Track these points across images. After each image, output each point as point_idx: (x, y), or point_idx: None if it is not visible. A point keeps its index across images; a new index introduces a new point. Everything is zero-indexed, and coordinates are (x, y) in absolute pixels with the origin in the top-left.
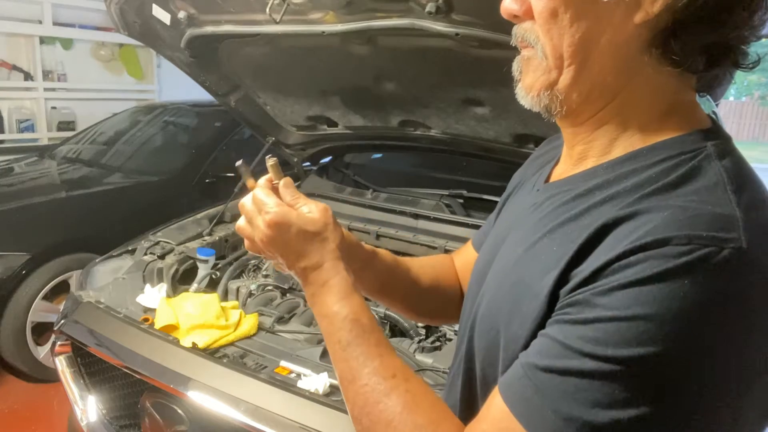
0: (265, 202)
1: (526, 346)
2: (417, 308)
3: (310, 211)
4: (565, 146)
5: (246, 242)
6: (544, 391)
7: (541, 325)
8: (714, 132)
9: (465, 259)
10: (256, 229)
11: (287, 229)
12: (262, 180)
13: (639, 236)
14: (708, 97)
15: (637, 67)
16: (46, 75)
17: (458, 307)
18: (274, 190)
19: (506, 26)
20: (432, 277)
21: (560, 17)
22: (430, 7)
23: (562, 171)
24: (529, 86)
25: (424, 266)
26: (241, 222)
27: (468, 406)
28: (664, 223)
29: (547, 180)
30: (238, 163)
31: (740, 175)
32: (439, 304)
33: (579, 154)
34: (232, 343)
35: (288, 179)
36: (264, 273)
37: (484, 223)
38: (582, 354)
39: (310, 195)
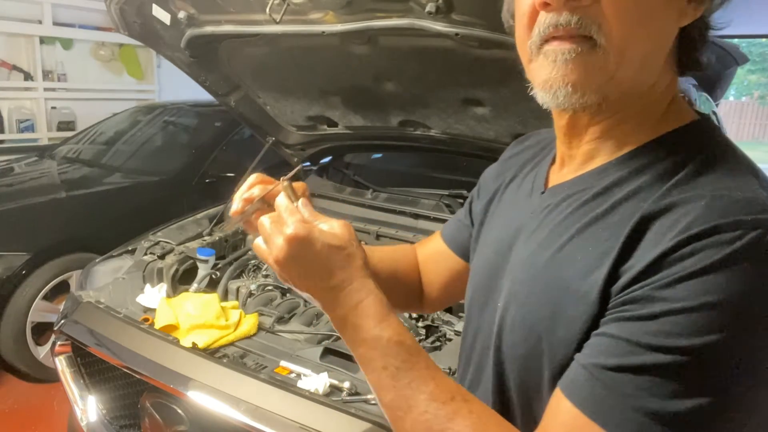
0: (285, 219)
1: (578, 349)
2: None
3: (331, 227)
4: (565, 148)
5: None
6: (619, 390)
7: (594, 325)
8: (707, 121)
9: (431, 251)
10: (274, 247)
11: (309, 244)
12: (282, 198)
13: (685, 227)
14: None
15: (665, 66)
16: (46, 75)
17: (416, 300)
18: None
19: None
20: (390, 269)
21: (640, 6)
22: (430, 7)
23: (566, 172)
24: (580, 82)
25: (383, 259)
26: (259, 241)
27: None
28: (706, 212)
29: (546, 182)
30: (285, 182)
31: (746, 159)
32: (394, 296)
33: (586, 154)
34: (232, 343)
35: (305, 199)
36: (264, 273)
37: None
38: (654, 348)
39: (310, 195)
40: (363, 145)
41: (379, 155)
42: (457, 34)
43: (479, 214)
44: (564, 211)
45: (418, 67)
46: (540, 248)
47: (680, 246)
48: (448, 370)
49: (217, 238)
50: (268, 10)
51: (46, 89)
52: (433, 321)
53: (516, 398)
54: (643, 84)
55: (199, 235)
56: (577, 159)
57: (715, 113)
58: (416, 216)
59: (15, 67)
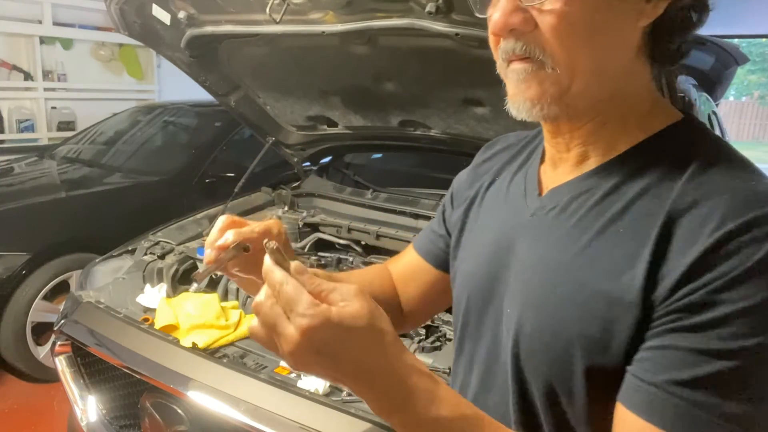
0: (296, 301)
1: (623, 355)
2: None
3: (344, 298)
4: (555, 150)
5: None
6: (702, 403)
7: (637, 331)
8: (694, 118)
9: (406, 266)
10: (284, 339)
11: (329, 332)
12: (272, 270)
13: (719, 223)
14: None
15: (633, 67)
16: (46, 75)
17: (397, 318)
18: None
19: None
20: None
21: (577, 26)
22: (430, 7)
23: (561, 173)
24: (536, 97)
25: (358, 284)
26: (255, 325)
27: (528, 428)
28: (734, 206)
29: (539, 184)
30: (271, 244)
31: (739, 153)
32: None
33: (579, 156)
34: (232, 343)
35: (298, 264)
36: None
37: None
38: (728, 353)
39: (310, 195)
40: (363, 145)
41: (379, 155)
42: (457, 34)
43: (457, 221)
44: (576, 213)
45: (418, 67)
46: (555, 250)
47: (721, 243)
48: (448, 370)
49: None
50: (268, 10)
51: (46, 89)
52: (433, 321)
53: (541, 402)
54: (610, 88)
55: (199, 235)
56: (570, 161)
57: (715, 113)
58: (416, 216)
59: (15, 67)
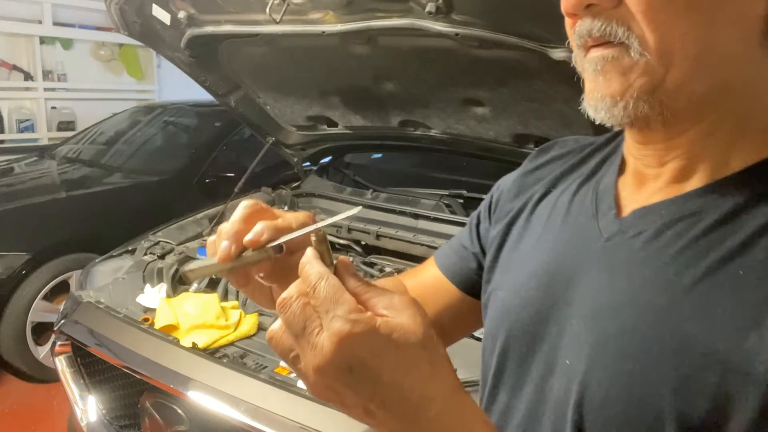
0: (336, 302)
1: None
2: None
3: (392, 307)
4: (642, 163)
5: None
6: None
7: (762, 415)
8: None
9: (423, 283)
10: (311, 348)
11: (373, 346)
12: (312, 262)
13: None
14: None
15: (756, 54)
16: (46, 75)
17: None
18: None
19: (506, 26)
20: None
21: (672, 1)
22: (430, 7)
23: (651, 191)
24: (620, 92)
25: None
26: (277, 328)
27: None
28: None
29: (618, 202)
30: (318, 233)
31: None
32: None
33: (678, 170)
34: (232, 343)
35: (345, 259)
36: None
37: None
38: None
39: (310, 195)
40: (363, 145)
41: (379, 155)
42: (457, 34)
43: (496, 238)
44: (676, 243)
45: (418, 67)
46: (645, 290)
47: None
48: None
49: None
50: (268, 10)
51: (46, 89)
52: None
53: None
54: (722, 82)
55: (199, 235)
56: (665, 176)
57: None
58: (416, 216)
59: (15, 67)
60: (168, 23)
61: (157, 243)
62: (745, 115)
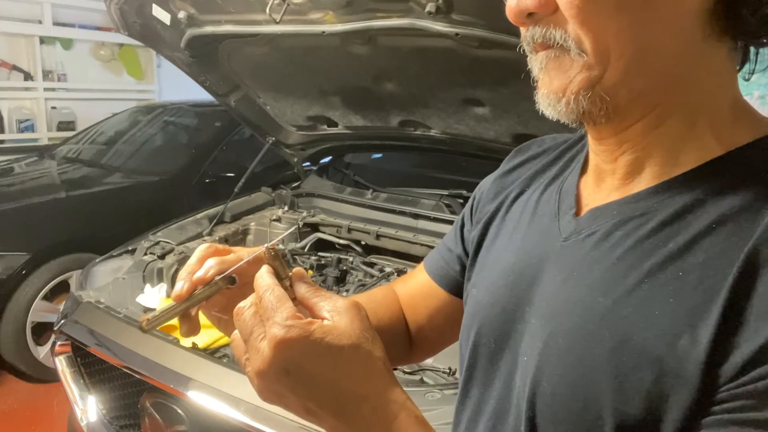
0: (275, 310)
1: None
2: None
3: (333, 310)
4: (600, 158)
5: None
6: None
7: (693, 414)
8: None
9: (416, 288)
10: (254, 352)
11: (307, 349)
12: (264, 275)
13: None
14: None
15: (697, 47)
16: (46, 75)
17: (404, 351)
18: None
19: (506, 26)
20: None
21: (601, 4)
22: (430, 7)
23: (607, 190)
24: (561, 89)
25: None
26: (235, 334)
27: None
28: None
29: (579, 201)
30: (268, 250)
31: None
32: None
33: (628, 166)
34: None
35: (299, 271)
36: None
37: None
38: None
39: (310, 195)
40: (363, 145)
41: (379, 155)
42: (457, 34)
43: (475, 238)
44: (623, 243)
45: (418, 67)
46: (590, 291)
47: None
48: (448, 370)
49: (217, 238)
50: (268, 10)
51: (46, 89)
52: None
53: None
54: (663, 74)
55: (199, 235)
56: (619, 172)
57: None
58: (416, 216)
59: (15, 67)
60: (168, 23)
61: (157, 243)
62: (692, 110)
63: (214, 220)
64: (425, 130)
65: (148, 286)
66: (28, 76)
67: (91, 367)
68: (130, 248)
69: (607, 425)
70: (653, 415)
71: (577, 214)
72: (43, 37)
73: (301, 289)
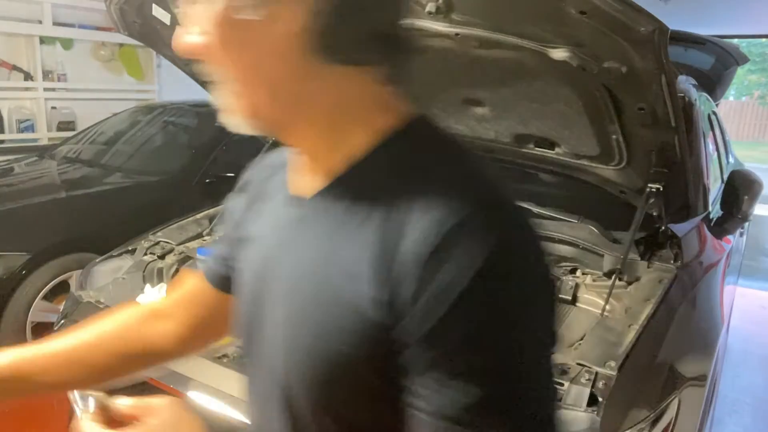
0: None
1: (381, 375)
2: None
3: (148, 411)
4: (296, 159)
5: None
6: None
7: (387, 354)
8: (424, 118)
9: (184, 291)
10: None
11: None
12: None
13: (432, 241)
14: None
15: (317, 72)
16: (46, 75)
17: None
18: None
19: (506, 26)
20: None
21: (223, 50)
22: (430, 7)
23: (306, 181)
24: (236, 113)
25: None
26: None
27: None
28: (441, 220)
29: (295, 195)
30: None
31: (464, 155)
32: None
33: (309, 164)
34: (232, 343)
35: (101, 399)
36: None
37: None
38: (478, 377)
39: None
40: None
41: None
42: (457, 34)
43: (236, 238)
44: (325, 221)
45: (418, 67)
46: (308, 263)
47: (435, 262)
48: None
49: (217, 238)
50: None
51: (46, 89)
52: None
53: (315, 429)
54: (289, 98)
55: (199, 235)
56: (307, 169)
57: (715, 113)
58: None
59: (15, 67)
60: (168, 23)
61: (157, 243)
62: (331, 119)
63: (214, 220)
64: None
65: (148, 286)
66: (28, 76)
67: None
68: (130, 248)
69: (335, 367)
70: (361, 355)
71: (292, 202)
72: (43, 37)
73: (114, 409)
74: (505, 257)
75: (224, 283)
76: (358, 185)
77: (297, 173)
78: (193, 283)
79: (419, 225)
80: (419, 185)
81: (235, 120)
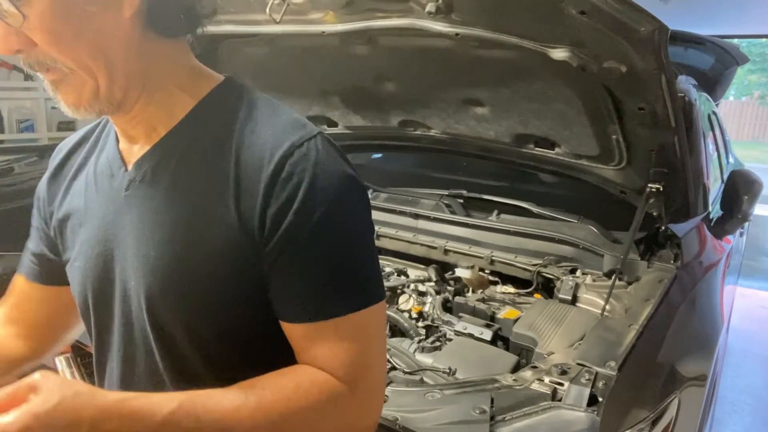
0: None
1: (254, 288)
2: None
3: (32, 387)
4: (128, 127)
5: None
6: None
7: (253, 265)
8: (232, 78)
9: (16, 297)
10: None
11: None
12: None
13: (269, 160)
14: (707, 96)
15: (150, 48)
16: None
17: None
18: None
19: (506, 26)
20: None
21: (63, 35)
22: (430, 7)
23: (140, 147)
24: (77, 101)
25: None
26: None
27: (188, 381)
28: (276, 142)
29: (124, 162)
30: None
31: (269, 100)
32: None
33: (146, 129)
34: None
35: None
36: None
37: (483, 222)
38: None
39: None
40: (363, 145)
41: (379, 155)
42: (457, 34)
43: (56, 229)
44: (164, 176)
45: (418, 67)
46: (161, 212)
47: (276, 177)
48: (448, 370)
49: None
50: (268, 10)
51: (46, 89)
52: (433, 321)
53: (191, 350)
54: (130, 73)
55: None
56: (142, 134)
57: (715, 113)
58: (416, 216)
59: (15, 67)
60: None
61: None
62: (164, 87)
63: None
64: (425, 130)
65: None
66: (28, 76)
67: (91, 368)
68: None
69: (211, 288)
70: (234, 263)
71: (126, 170)
72: None
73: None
74: (326, 172)
75: (50, 276)
76: (193, 132)
77: (126, 143)
78: (20, 286)
79: (257, 154)
80: (248, 123)
81: (75, 109)
